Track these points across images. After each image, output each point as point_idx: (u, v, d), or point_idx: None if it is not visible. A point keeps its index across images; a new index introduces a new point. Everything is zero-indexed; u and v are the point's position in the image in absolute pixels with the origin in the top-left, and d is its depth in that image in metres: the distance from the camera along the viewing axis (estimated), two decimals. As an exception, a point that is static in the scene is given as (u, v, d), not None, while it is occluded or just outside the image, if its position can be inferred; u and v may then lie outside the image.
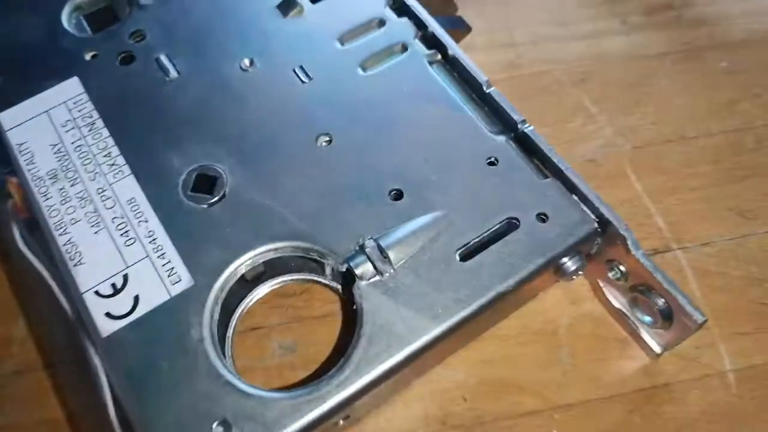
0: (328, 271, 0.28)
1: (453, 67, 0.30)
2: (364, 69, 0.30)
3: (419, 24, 0.30)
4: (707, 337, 0.28)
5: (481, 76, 0.29)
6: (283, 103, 0.29)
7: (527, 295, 0.28)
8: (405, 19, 0.31)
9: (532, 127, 0.27)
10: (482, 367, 0.28)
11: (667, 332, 0.26)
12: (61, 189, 0.27)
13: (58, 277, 0.26)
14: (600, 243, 0.26)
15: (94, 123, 0.28)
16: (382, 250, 0.25)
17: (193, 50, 0.30)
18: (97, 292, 0.25)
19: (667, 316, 0.25)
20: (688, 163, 0.31)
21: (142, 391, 0.23)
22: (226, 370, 0.24)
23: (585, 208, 0.26)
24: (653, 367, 0.27)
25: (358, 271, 0.25)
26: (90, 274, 0.25)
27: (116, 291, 0.25)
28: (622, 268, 0.26)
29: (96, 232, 0.26)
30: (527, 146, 0.27)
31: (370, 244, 0.25)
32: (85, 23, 0.32)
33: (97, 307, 0.25)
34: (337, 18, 0.31)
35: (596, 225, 0.26)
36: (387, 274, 0.25)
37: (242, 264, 0.25)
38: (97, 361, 0.24)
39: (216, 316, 0.25)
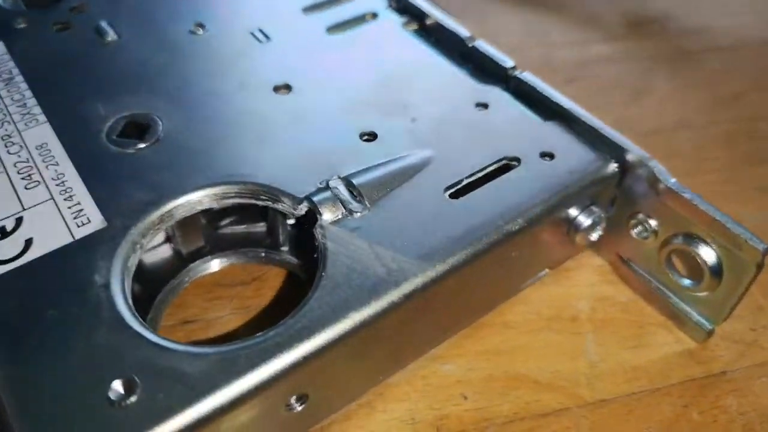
0: (282, 237, 0.22)
1: (431, 34, 0.27)
2: (330, 33, 0.26)
3: (392, -5, 0.28)
4: (763, 317, 0.22)
5: (463, 32, 0.25)
6: (236, 59, 0.25)
7: (535, 257, 0.22)
8: (376, -8, 0.28)
9: (526, 72, 0.24)
10: (486, 359, 0.21)
11: (716, 293, 0.20)
12: (-43, 137, 0.22)
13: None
14: (619, 197, 0.22)
15: (12, 78, 0.24)
16: (352, 187, 0.20)
17: (138, 19, 0.27)
18: (-24, 237, 0.19)
19: (714, 268, 0.20)
20: (701, 148, 0.27)
21: (15, 346, 0.16)
22: (137, 322, 0.17)
23: (599, 150, 0.22)
24: (703, 353, 0.21)
25: (321, 209, 0.19)
26: (-28, 219, 0.19)
27: (4, 235, 0.19)
28: (651, 221, 0.21)
29: (-10, 177, 0.21)
30: (524, 94, 0.23)
31: (336, 182, 0.20)
32: (22, 4, 0.28)
33: (-28, 252, 0.19)
34: (302, -7, 0.28)
35: (615, 165, 0.21)
36: (358, 214, 0.19)
37: (174, 208, 0.20)
38: (-42, 315, 0.17)
39: (131, 265, 0.19)
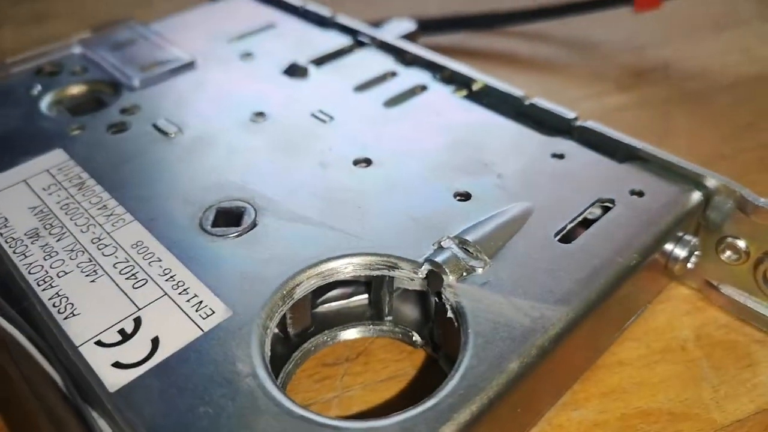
0: (388, 307, 0.22)
1: (482, 97, 0.28)
2: (387, 107, 0.27)
3: (435, 67, 0.29)
4: None
5: (517, 92, 0.27)
6: (306, 139, 0.25)
7: (641, 292, 0.22)
8: (417, 68, 0.30)
9: (590, 121, 0.25)
10: (614, 400, 0.21)
11: (822, 300, 0.21)
12: (44, 246, 0.21)
13: (39, 342, 0.18)
14: (703, 224, 0.23)
15: (83, 183, 0.24)
16: (467, 245, 0.20)
17: (194, 115, 0.27)
18: (99, 342, 0.18)
19: (818, 276, 0.21)
20: (741, 175, 0.28)
21: (178, 450, 0.16)
22: (298, 406, 0.16)
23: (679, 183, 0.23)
24: (816, 362, 0.22)
25: (446, 268, 0.19)
26: (87, 325, 0.18)
27: (126, 337, 0.18)
28: (739, 243, 0.22)
29: (93, 281, 0.20)
30: (591, 141, 0.25)
31: (449, 242, 0.20)
32: (67, 112, 0.28)
33: (100, 359, 0.18)
34: (347, 75, 0.29)
35: (699, 194, 0.22)
36: (480, 270, 0.20)
37: (294, 287, 0.20)
38: (102, 425, 0.16)
39: (268, 350, 0.18)
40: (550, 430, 0.20)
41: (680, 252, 0.22)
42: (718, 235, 0.23)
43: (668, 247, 0.22)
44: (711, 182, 0.22)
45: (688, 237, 0.22)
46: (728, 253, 0.23)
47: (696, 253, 0.22)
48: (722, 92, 0.35)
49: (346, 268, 0.20)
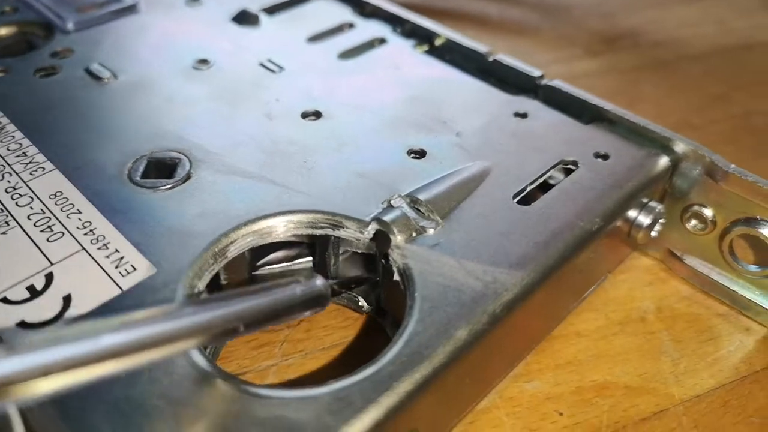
0: (333, 270, 0.20)
1: (443, 53, 0.26)
2: (342, 59, 0.25)
3: (395, 20, 0.27)
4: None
5: (481, 47, 0.25)
6: (253, 89, 0.23)
7: (603, 260, 0.21)
8: (376, 21, 0.28)
9: (556, 80, 0.24)
10: (570, 372, 0.20)
11: (788, 273, 0.20)
12: (-50, 194, 0.19)
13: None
14: (669, 191, 0.22)
15: (2, 128, 0.21)
16: (418, 204, 0.19)
17: (131, 60, 0.25)
18: (4, 299, 0.16)
19: (785, 248, 0.20)
20: (709, 146, 0.27)
21: (85, 424, 0.14)
22: (219, 372, 0.15)
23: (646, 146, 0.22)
24: (778, 337, 0.21)
25: (394, 227, 0.18)
26: (-8, 280, 0.17)
27: (35, 294, 0.16)
28: (706, 211, 0.21)
29: (3, 233, 0.18)
30: (556, 101, 0.23)
31: (399, 201, 0.19)
32: (-10, 55, 0.26)
33: (4, 317, 0.16)
34: (301, 25, 0.27)
35: (666, 159, 0.21)
36: (432, 230, 0.18)
37: (228, 244, 0.18)
38: (1, 391, 0.15)
39: (195, 312, 0.17)
40: (501, 402, 0.19)
41: (644, 219, 0.21)
42: (684, 203, 0.22)
43: (632, 213, 0.21)
44: (680, 147, 0.21)
45: (653, 204, 0.21)
46: (694, 222, 0.22)
47: (660, 220, 0.21)
48: (693, 62, 0.34)
49: (286, 225, 0.19)
